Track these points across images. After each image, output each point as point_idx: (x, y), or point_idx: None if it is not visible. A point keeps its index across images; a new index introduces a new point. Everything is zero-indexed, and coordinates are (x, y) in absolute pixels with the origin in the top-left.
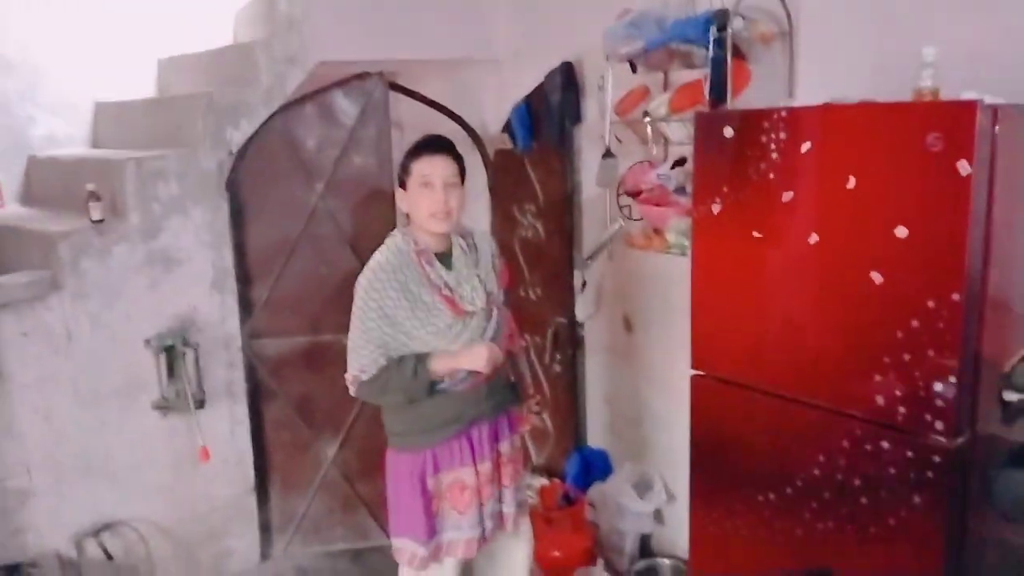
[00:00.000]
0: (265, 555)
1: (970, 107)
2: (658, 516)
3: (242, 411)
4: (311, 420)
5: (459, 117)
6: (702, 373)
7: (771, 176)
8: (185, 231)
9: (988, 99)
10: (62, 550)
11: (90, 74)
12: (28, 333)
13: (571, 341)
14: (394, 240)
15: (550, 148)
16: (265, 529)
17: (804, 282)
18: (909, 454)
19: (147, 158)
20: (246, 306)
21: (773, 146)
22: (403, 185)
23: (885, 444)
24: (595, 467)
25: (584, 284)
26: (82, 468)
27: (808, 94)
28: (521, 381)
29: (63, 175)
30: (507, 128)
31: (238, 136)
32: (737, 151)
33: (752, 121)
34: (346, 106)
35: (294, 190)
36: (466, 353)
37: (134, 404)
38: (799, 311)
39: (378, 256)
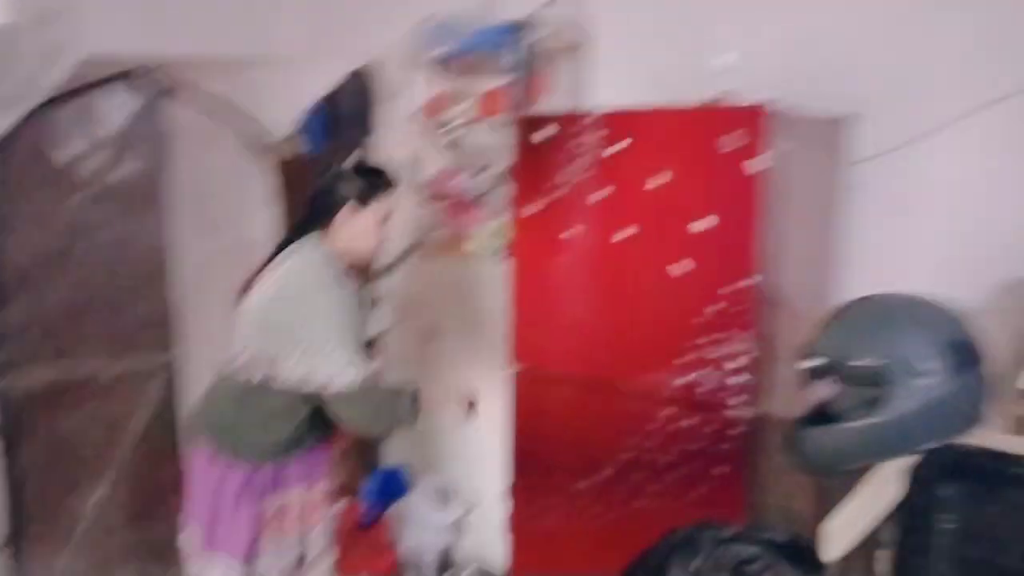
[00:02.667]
0: None
1: (759, 112)
2: (457, 526)
3: None
4: (74, 461)
5: (242, 119)
6: (520, 368)
7: (582, 177)
8: None
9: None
10: None
11: None
12: None
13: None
14: (319, 252)
15: (345, 153)
16: None
17: (612, 276)
18: (709, 430)
19: None
20: None
21: (585, 148)
22: (363, 203)
23: (687, 423)
24: (395, 484)
25: (377, 298)
26: None
27: (601, 101)
28: None
29: None
30: (301, 130)
31: None
32: (552, 154)
33: (566, 125)
34: (115, 107)
35: (52, 200)
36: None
37: None
38: (609, 304)
39: (309, 259)
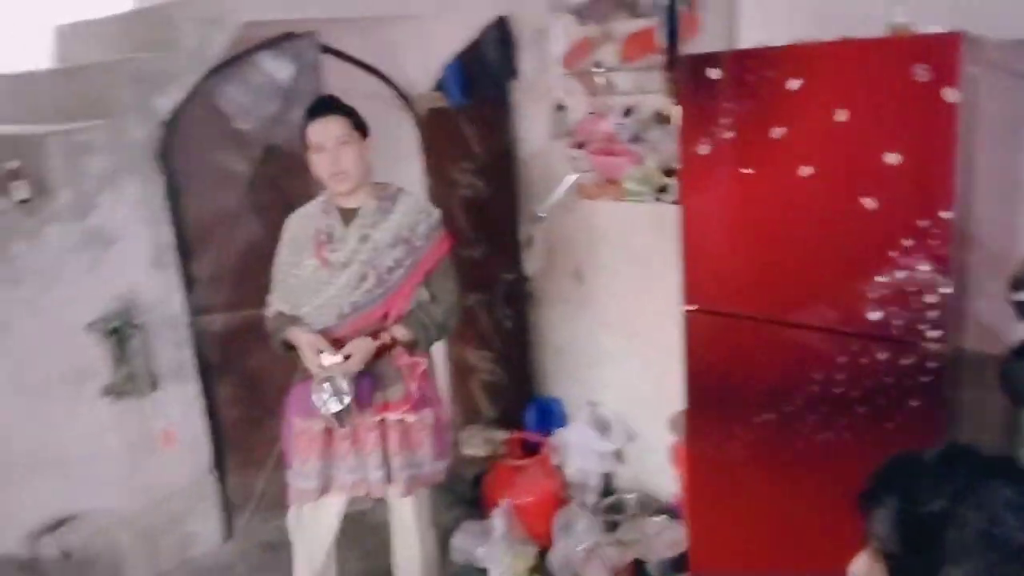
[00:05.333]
0: (228, 535)
1: (955, 39)
2: (618, 455)
3: (194, 391)
4: (264, 394)
5: (387, 77)
6: (695, 307)
7: (759, 114)
8: (119, 207)
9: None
10: (17, 551)
11: None
12: None
13: (520, 296)
14: (319, 197)
15: (486, 105)
16: (226, 509)
17: (798, 213)
18: (904, 363)
19: (73, 131)
20: (190, 282)
21: (760, 84)
22: (303, 135)
23: (881, 356)
24: (553, 415)
25: (531, 239)
26: (31, 463)
27: (750, 39)
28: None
29: None
30: (440, 85)
31: (166, 104)
32: (723, 91)
33: (737, 61)
34: (277, 69)
35: (230, 158)
36: (305, 339)
37: (81, 392)
38: (794, 240)
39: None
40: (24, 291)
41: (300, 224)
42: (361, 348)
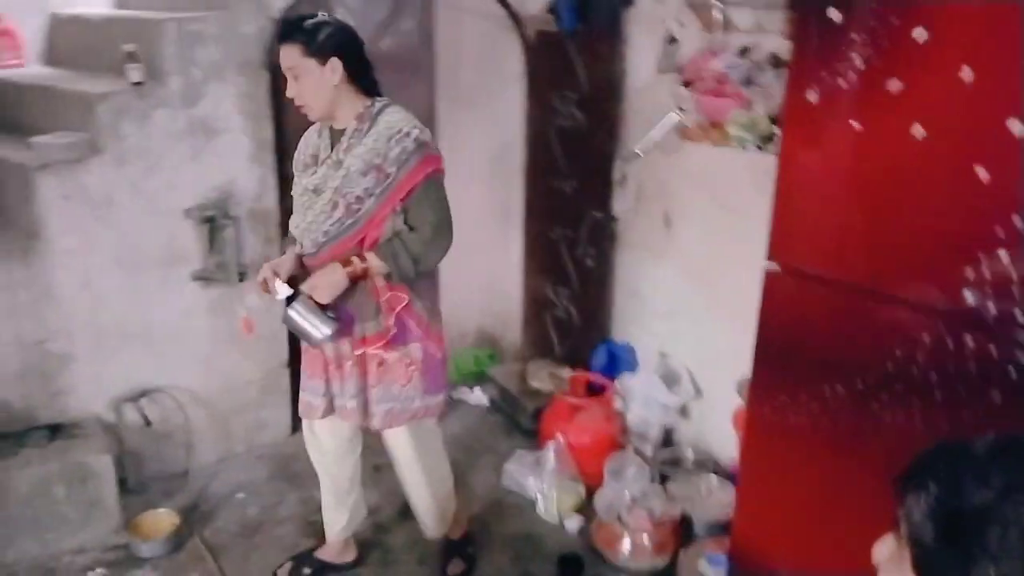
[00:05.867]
0: (295, 428)
1: None
2: (682, 410)
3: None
4: None
5: None
6: (778, 265)
7: (877, 64)
8: (225, 100)
9: None
10: (102, 414)
11: None
12: (69, 196)
13: (605, 235)
14: None
15: (598, 32)
16: (295, 403)
17: (903, 175)
18: (994, 351)
19: (187, 19)
20: (284, 181)
21: (882, 32)
22: None
23: (969, 340)
24: (621, 360)
25: (624, 177)
26: (121, 335)
27: None
28: (376, 306)
29: (91, 35)
30: (552, 8)
31: (279, 0)
32: (841, 35)
33: (861, 3)
34: None
35: None
36: (265, 265)
37: (174, 274)
38: (894, 204)
39: None
40: (129, 171)
41: (303, 142)
42: (324, 279)
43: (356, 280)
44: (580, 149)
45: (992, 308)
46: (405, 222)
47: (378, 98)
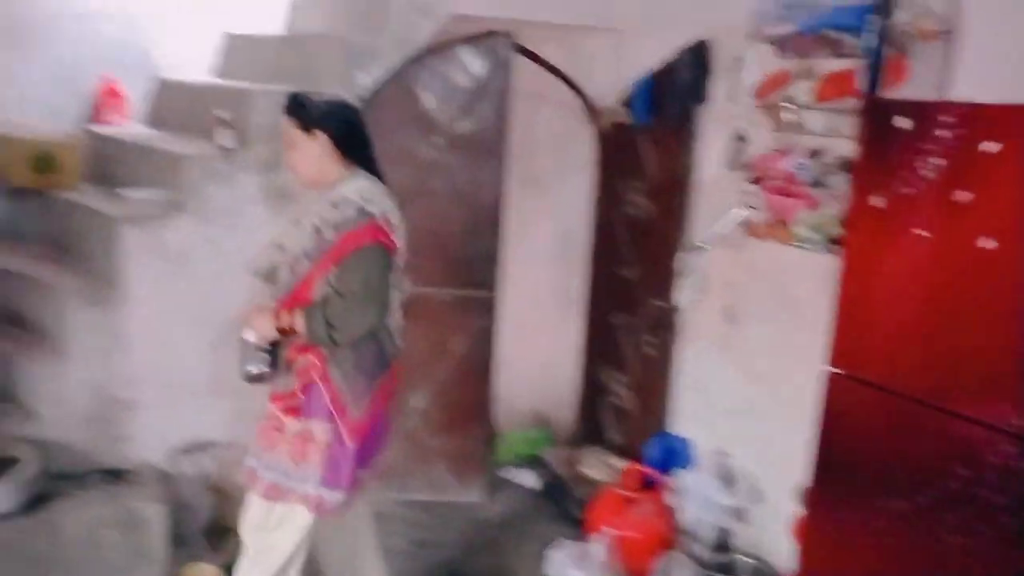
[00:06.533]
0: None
1: None
2: (739, 513)
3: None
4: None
5: (576, 85)
6: (839, 371)
7: (944, 174)
8: None
9: None
10: (160, 463)
11: (218, 4)
12: (150, 249)
13: (667, 325)
14: None
15: (669, 126)
16: None
17: (967, 288)
18: None
19: (278, 92)
20: None
21: (951, 142)
22: None
23: None
24: (676, 454)
25: (688, 269)
26: (187, 387)
27: (963, 95)
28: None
29: (191, 100)
30: (627, 102)
31: (367, 80)
32: (908, 143)
33: (930, 113)
34: (472, 63)
35: (413, 142)
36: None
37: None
38: (953, 317)
39: None
40: (210, 229)
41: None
42: (253, 318)
43: (283, 333)
44: (645, 238)
45: None
46: (334, 287)
47: (360, 170)
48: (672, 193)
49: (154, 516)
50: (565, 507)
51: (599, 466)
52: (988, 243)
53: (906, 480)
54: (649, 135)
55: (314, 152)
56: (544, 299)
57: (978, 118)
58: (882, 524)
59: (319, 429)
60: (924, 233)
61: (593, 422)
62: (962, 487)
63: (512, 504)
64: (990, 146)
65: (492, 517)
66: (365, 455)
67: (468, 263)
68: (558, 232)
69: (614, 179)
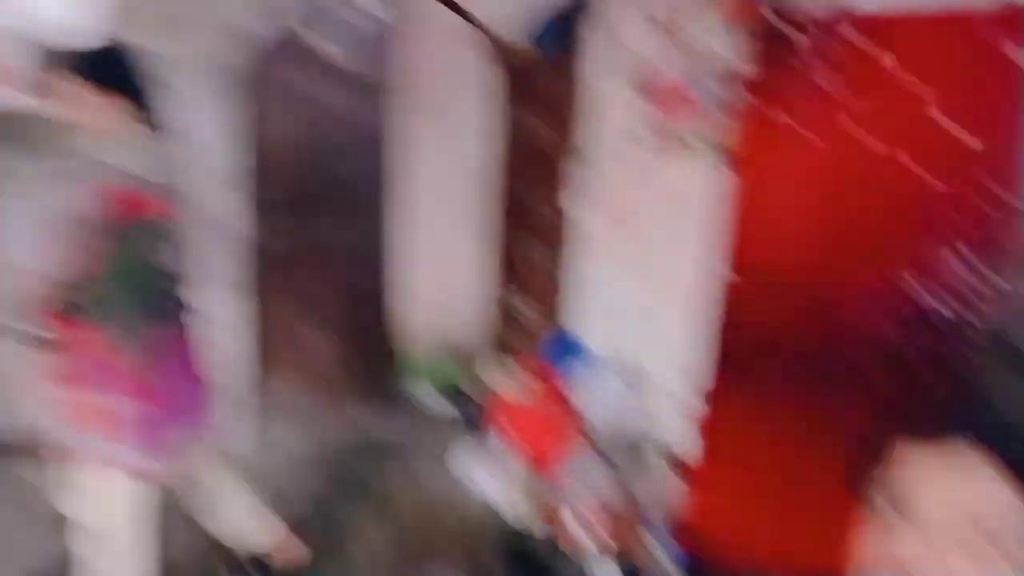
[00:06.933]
0: None
1: None
2: (641, 406)
3: None
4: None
5: (477, 20)
6: (737, 268)
7: (832, 84)
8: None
9: None
10: None
11: None
12: None
13: (559, 235)
14: None
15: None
16: None
17: (851, 190)
18: (943, 349)
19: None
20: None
21: (839, 54)
22: None
23: (921, 341)
24: (570, 349)
25: (577, 178)
26: None
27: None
28: None
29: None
30: (536, 36)
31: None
32: (798, 57)
33: (818, 26)
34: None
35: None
36: None
37: None
38: (852, 214)
39: None
40: None
41: None
42: None
43: None
44: (540, 154)
45: (943, 309)
46: None
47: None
48: (565, 108)
49: None
50: (468, 413)
51: (498, 370)
52: (877, 146)
53: (798, 364)
54: (549, 62)
55: None
56: (450, 227)
57: (870, 28)
58: (777, 407)
59: (120, 403)
60: (816, 138)
61: (498, 339)
62: (850, 367)
63: (419, 421)
64: (878, 52)
65: (397, 429)
66: (171, 416)
67: (353, 185)
68: (462, 160)
69: (514, 104)
